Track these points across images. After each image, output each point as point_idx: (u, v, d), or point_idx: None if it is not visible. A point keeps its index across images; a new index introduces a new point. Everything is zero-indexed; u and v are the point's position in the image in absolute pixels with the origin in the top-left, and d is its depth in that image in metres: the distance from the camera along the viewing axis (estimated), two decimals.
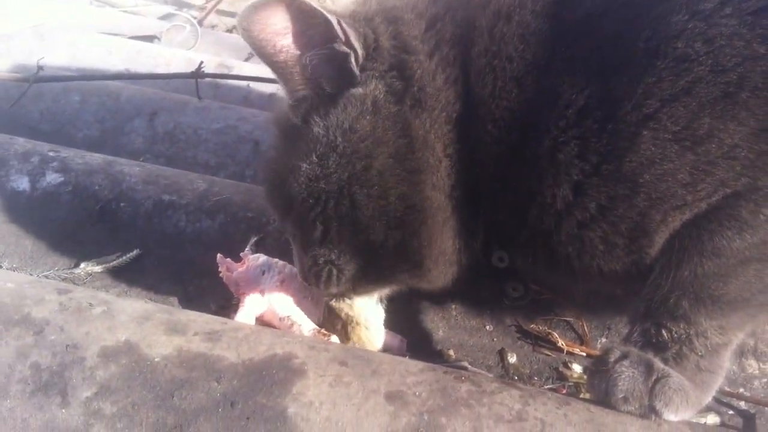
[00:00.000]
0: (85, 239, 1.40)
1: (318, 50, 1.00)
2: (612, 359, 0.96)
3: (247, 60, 2.56)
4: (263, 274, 1.21)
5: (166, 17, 3.20)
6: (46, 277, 1.30)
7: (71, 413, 0.88)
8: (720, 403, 1.16)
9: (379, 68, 1.03)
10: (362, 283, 1.13)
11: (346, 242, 1.07)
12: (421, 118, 1.03)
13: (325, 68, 1.02)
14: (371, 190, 1.02)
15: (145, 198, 1.44)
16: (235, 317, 1.16)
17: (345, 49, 0.99)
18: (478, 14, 1.04)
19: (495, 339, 1.29)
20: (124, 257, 1.35)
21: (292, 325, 1.16)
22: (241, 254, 1.25)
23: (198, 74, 1.90)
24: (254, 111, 1.96)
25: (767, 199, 0.90)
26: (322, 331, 1.16)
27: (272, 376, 0.91)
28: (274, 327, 1.16)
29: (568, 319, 1.31)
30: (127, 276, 1.34)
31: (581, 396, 1.14)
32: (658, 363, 0.96)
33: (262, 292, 1.19)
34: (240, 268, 1.22)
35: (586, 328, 1.29)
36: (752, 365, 1.21)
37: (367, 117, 1.02)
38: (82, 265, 1.34)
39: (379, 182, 1.02)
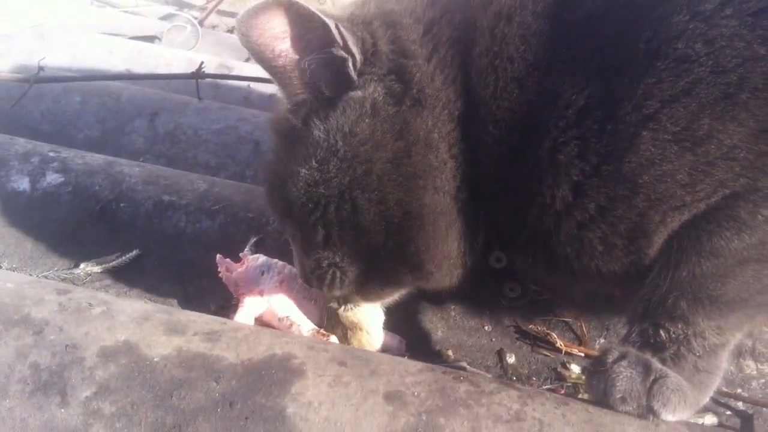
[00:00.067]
0: (85, 239, 1.40)
1: (316, 54, 1.00)
2: (610, 359, 0.97)
3: (247, 60, 2.56)
4: (263, 274, 1.21)
5: (166, 17, 3.21)
6: (46, 277, 1.30)
7: (70, 413, 0.88)
8: (718, 403, 1.16)
9: (378, 72, 1.03)
10: (369, 287, 1.13)
11: (348, 245, 1.07)
12: (422, 116, 1.03)
13: (323, 72, 1.02)
14: (372, 195, 1.02)
15: (145, 198, 1.44)
16: (234, 317, 1.16)
17: (343, 53, 0.99)
18: (479, 15, 1.04)
19: (494, 339, 1.29)
20: (123, 257, 1.36)
21: (291, 325, 1.17)
22: (241, 255, 1.25)
23: (199, 75, 1.90)
24: (255, 111, 1.96)
25: (766, 200, 0.90)
26: (321, 331, 1.16)
27: (271, 376, 0.91)
28: (273, 327, 1.16)
29: (566, 319, 1.31)
30: (126, 276, 1.34)
31: (579, 396, 1.14)
32: (656, 363, 0.96)
33: (261, 292, 1.19)
34: (239, 269, 1.22)
35: (584, 328, 1.29)
36: (750, 366, 1.21)
37: (366, 120, 1.02)
38: (82, 265, 1.35)
39: (378, 187, 1.02)
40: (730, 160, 0.90)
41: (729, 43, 0.89)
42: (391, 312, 1.23)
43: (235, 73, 2.23)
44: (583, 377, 1.20)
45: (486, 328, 1.31)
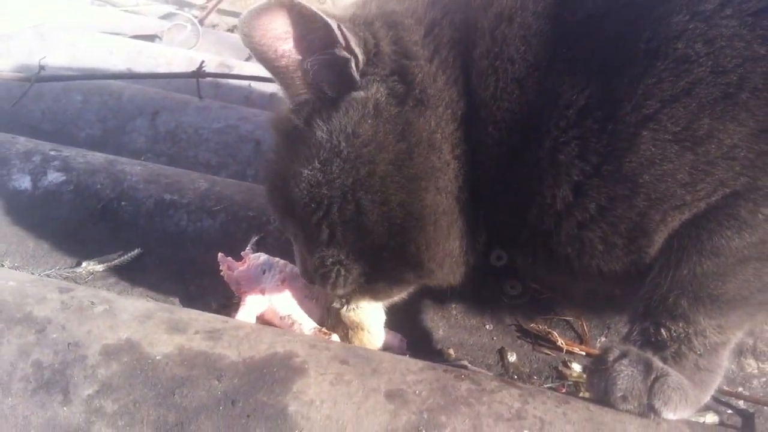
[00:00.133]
0: (87, 238, 1.40)
1: (319, 55, 1.00)
2: (611, 358, 0.97)
3: (248, 59, 2.56)
4: (264, 273, 1.21)
5: (167, 16, 3.21)
6: (48, 275, 1.31)
7: (73, 411, 0.88)
8: (719, 402, 1.16)
9: (380, 73, 1.03)
10: (377, 286, 1.14)
11: (351, 244, 1.07)
12: (425, 116, 1.03)
13: (326, 73, 1.02)
14: (375, 196, 1.02)
15: (146, 197, 1.44)
16: (235, 316, 1.17)
17: (345, 54, 0.99)
18: (480, 16, 1.04)
19: (495, 338, 1.30)
20: (125, 256, 1.36)
21: (292, 323, 1.17)
22: (242, 253, 1.26)
23: (199, 74, 1.90)
24: (255, 110, 1.96)
25: (766, 199, 0.91)
26: (323, 329, 1.16)
27: (273, 375, 0.91)
28: (274, 326, 1.16)
29: (567, 318, 1.31)
30: (128, 275, 1.35)
31: (581, 395, 1.14)
32: (657, 362, 0.97)
33: (262, 291, 1.20)
34: (241, 267, 1.22)
35: (585, 327, 1.30)
36: (751, 364, 1.22)
37: (369, 121, 1.02)
38: (84, 263, 1.35)
39: (381, 188, 1.02)
40: (731, 160, 0.91)
41: (729, 43, 0.89)
42: (392, 311, 1.23)
43: (235, 72, 2.23)
44: (584, 376, 1.20)
45: (487, 326, 1.31)
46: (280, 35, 0.99)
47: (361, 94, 1.02)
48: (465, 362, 1.19)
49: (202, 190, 1.46)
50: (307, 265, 1.14)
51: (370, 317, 1.20)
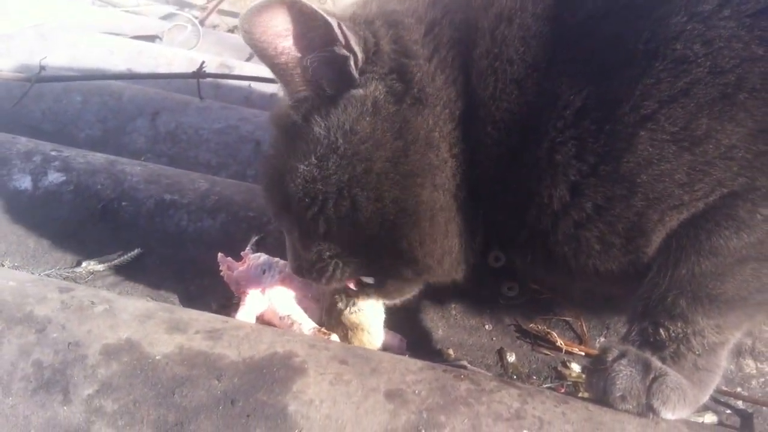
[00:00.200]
0: (87, 238, 1.40)
1: (318, 52, 1.01)
2: (610, 358, 0.97)
3: (248, 60, 2.57)
4: (264, 273, 1.22)
5: (167, 17, 3.21)
6: (48, 275, 1.31)
7: (73, 411, 0.89)
8: (718, 402, 1.16)
9: (379, 71, 1.03)
10: (388, 286, 1.15)
11: (347, 240, 1.08)
12: (423, 115, 1.04)
13: (325, 70, 1.03)
14: (370, 193, 1.03)
15: (146, 197, 1.45)
16: (235, 316, 1.17)
17: (345, 52, 1.00)
18: (480, 16, 1.05)
19: (494, 338, 1.30)
20: (125, 256, 1.36)
21: (292, 323, 1.17)
22: (242, 253, 1.26)
23: (199, 74, 1.91)
24: (255, 111, 1.97)
25: (764, 199, 0.91)
26: (323, 329, 1.16)
27: (273, 374, 0.92)
28: (274, 326, 1.17)
29: (566, 318, 1.31)
30: (128, 275, 1.35)
31: (580, 395, 1.14)
32: (656, 362, 0.97)
33: (262, 291, 1.20)
34: (241, 267, 1.23)
35: (584, 327, 1.30)
36: (750, 365, 1.22)
37: (367, 118, 1.02)
38: (84, 263, 1.35)
39: (376, 185, 1.03)
40: (729, 160, 0.91)
41: (727, 44, 0.89)
42: (392, 311, 1.23)
43: (235, 72, 2.24)
44: (583, 376, 1.20)
45: (486, 327, 1.31)
46: (281, 32, 0.99)
47: (360, 91, 1.03)
48: (464, 362, 1.19)
49: (202, 190, 1.47)
50: (299, 259, 1.14)
51: (371, 318, 1.20)
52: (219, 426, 0.87)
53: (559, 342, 1.26)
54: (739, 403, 1.17)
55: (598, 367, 0.98)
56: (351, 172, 1.02)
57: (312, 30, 0.99)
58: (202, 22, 3.05)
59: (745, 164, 0.91)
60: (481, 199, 1.08)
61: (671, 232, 0.96)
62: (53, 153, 1.52)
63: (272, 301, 1.20)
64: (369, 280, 1.15)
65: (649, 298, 0.98)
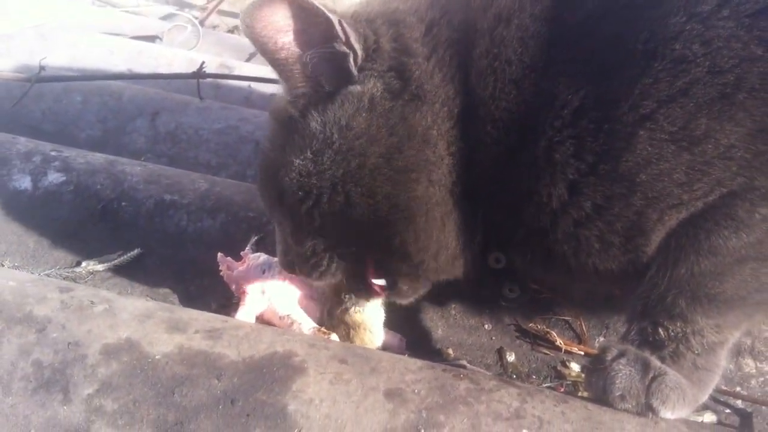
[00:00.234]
0: (87, 238, 1.41)
1: (318, 49, 1.01)
2: (609, 357, 0.97)
3: (248, 60, 2.57)
4: (264, 273, 1.22)
5: (167, 17, 3.21)
6: (48, 275, 1.31)
7: (73, 410, 0.89)
8: (717, 401, 1.16)
9: (378, 68, 1.04)
10: (400, 287, 1.15)
11: (341, 234, 1.08)
12: (422, 111, 1.04)
13: (324, 66, 1.03)
14: (363, 188, 1.03)
15: (146, 197, 1.45)
16: (235, 316, 1.17)
17: (344, 49, 1.00)
18: (479, 17, 1.05)
19: (494, 338, 1.30)
20: (125, 256, 1.36)
21: (292, 323, 1.17)
22: (242, 253, 1.26)
23: (199, 74, 1.91)
24: (255, 111, 1.97)
25: (763, 199, 0.91)
26: (322, 329, 1.16)
27: (272, 374, 0.92)
28: (274, 325, 1.17)
29: (566, 318, 1.31)
30: (128, 275, 1.35)
31: (579, 394, 1.14)
32: (655, 361, 0.97)
33: (262, 291, 1.20)
34: (240, 267, 1.23)
35: (584, 327, 1.30)
36: (749, 364, 1.22)
37: (363, 114, 1.03)
38: (84, 263, 1.35)
39: (369, 181, 1.03)
40: (728, 160, 0.91)
41: (726, 44, 0.89)
42: (391, 310, 1.23)
43: (235, 73, 2.24)
44: (583, 375, 1.20)
45: (486, 326, 1.31)
46: (281, 28, 1.00)
47: (358, 88, 1.03)
48: (464, 362, 1.20)
49: (202, 190, 1.47)
50: (289, 254, 1.15)
51: (372, 317, 1.20)
52: (219, 425, 0.87)
53: (559, 341, 1.26)
54: (739, 403, 1.18)
55: (597, 366, 0.98)
56: (345, 168, 1.03)
57: (313, 26, 0.99)
58: (202, 23, 3.05)
59: (744, 164, 0.91)
60: (479, 197, 1.08)
61: (670, 231, 0.96)
62: (53, 153, 1.52)
63: (272, 301, 1.20)
64: (380, 282, 1.15)
65: (649, 298, 0.98)
